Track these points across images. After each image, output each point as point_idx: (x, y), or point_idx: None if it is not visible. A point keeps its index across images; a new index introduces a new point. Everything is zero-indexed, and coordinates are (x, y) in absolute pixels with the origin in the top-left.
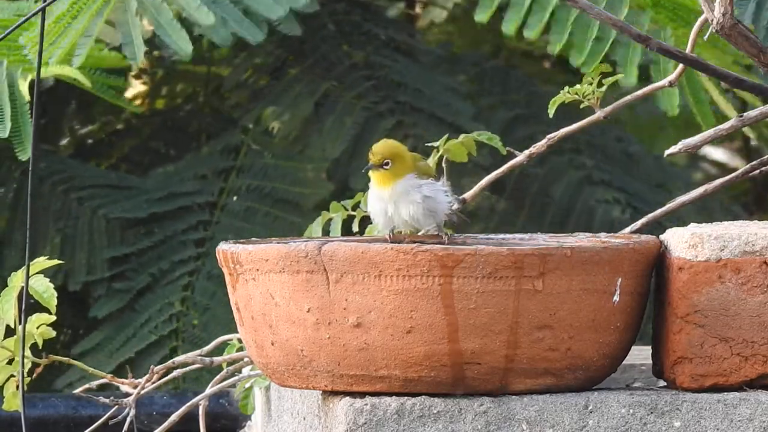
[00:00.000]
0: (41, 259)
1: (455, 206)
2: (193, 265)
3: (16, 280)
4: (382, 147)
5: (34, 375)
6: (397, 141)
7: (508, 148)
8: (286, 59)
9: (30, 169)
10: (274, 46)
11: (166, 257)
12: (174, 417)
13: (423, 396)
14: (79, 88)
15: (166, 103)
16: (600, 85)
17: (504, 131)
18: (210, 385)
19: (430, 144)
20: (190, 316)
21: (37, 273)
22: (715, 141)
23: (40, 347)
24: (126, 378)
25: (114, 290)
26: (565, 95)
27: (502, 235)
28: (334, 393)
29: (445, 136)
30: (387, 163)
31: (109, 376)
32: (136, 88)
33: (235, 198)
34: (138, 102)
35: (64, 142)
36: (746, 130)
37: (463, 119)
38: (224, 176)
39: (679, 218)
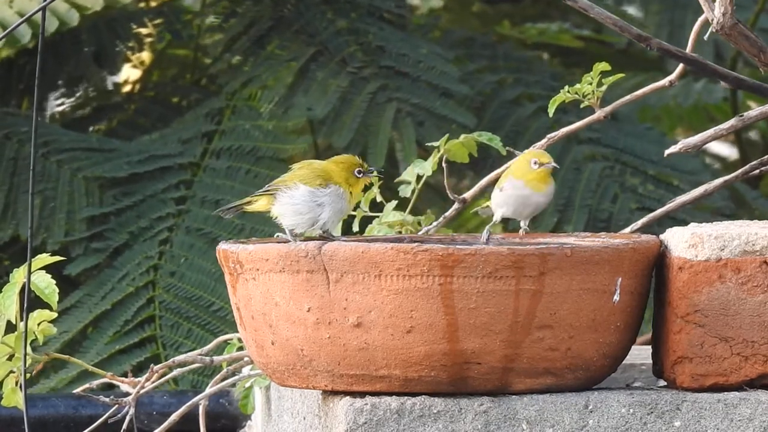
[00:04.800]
0: (43, 255)
1: None
2: (173, 221)
3: (19, 276)
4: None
5: (34, 372)
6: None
7: (508, 148)
8: (269, 27)
9: (31, 168)
10: (258, 14)
11: (145, 216)
12: (174, 416)
13: (423, 396)
14: (68, 66)
15: (156, 84)
16: (600, 84)
17: (491, 94)
18: (210, 384)
19: (430, 144)
20: (167, 268)
21: (39, 269)
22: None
23: (41, 343)
24: (126, 377)
25: (91, 249)
26: (565, 95)
27: (501, 235)
28: (334, 393)
29: (446, 136)
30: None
31: (109, 374)
32: (127, 72)
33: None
34: (129, 87)
35: (55, 124)
36: None
37: (449, 82)
38: (207, 139)
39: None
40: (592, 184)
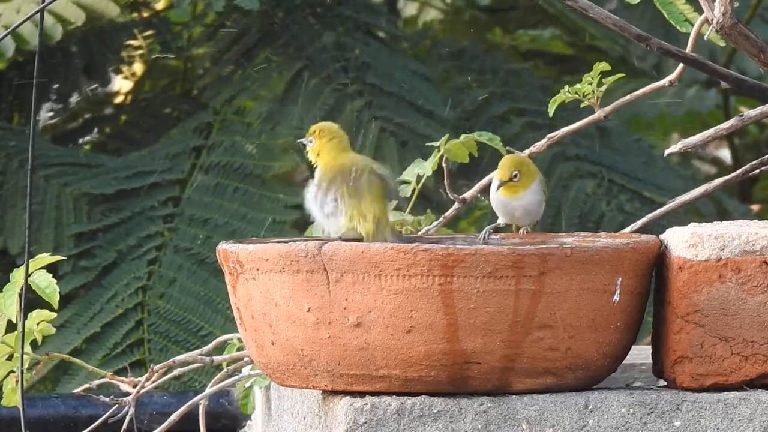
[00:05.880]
0: (43, 255)
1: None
2: (161, 240)
3: (19, 275)
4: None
5: (35, 372)
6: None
7: (508, 148)
8: (257, 40)
9: (29, 168)
10: (245, 27)
11: (133, 233)
12: (174, 416)
13: (423, 396)
14: (58, 80)
15: (147, 96)
16: (600, 84)
17: (477, 110)
18: (210, 384)
19: (430, 144)
20: (156, 289)
21: (38, 269)
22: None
23: (40, 344)
24: (126, 377)
25: (80, 267)
26: (565, 95)
27: (501, 235)
28: (334, 392)
29: (446, 136)
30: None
31: (109, 374)
32: (119, 84)
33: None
34: (121, 98)
35: (46, 137)
36: None
37: (432, 104)
38: (195, 154)
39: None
40: (579, 202)
